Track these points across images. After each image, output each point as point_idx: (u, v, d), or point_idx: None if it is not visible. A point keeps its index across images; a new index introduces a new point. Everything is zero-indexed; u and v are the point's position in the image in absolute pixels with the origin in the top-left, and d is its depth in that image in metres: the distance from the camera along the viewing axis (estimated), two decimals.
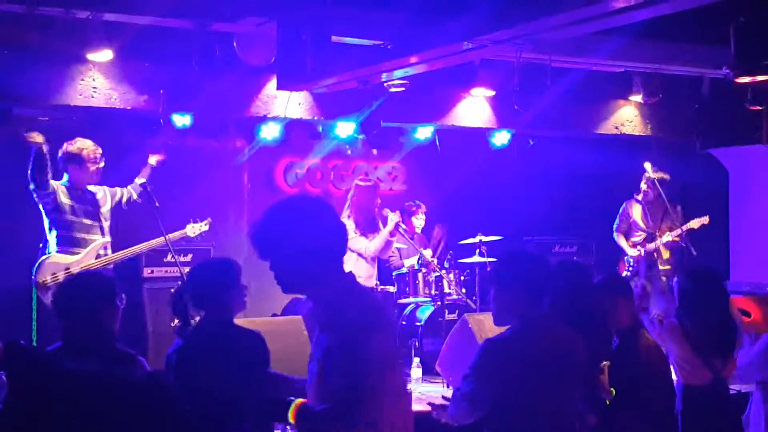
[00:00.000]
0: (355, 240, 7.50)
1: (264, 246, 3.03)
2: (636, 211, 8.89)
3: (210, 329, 4.12)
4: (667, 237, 8.62)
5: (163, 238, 6.98)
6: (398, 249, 8.65)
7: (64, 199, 6.88)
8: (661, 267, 8.69)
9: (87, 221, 6.95)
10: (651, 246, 8.73)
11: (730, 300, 5.13)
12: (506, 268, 4.08)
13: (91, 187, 7.07)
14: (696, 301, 4.96)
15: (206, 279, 4.19)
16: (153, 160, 7.41)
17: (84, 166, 6.94)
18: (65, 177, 6.99)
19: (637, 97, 9.29)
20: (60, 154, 6.96)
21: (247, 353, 4.09)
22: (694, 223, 8.68)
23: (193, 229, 7.36)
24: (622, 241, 8.96)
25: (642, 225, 8.84)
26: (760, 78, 6.45)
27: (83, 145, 6.96)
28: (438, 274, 8.20)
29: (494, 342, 3.94)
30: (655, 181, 8.66)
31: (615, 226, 9.04)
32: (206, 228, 7.44)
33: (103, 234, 7.02)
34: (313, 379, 3.03)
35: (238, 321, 4.28)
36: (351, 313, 2.98)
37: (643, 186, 8.79)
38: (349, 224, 7.54)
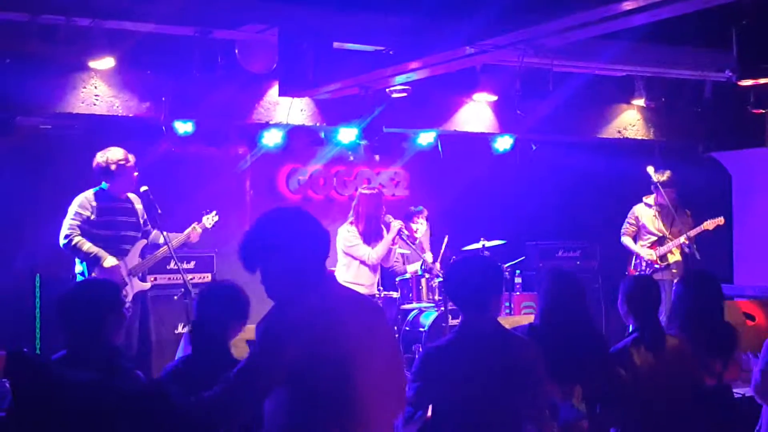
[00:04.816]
0: (358, 247, 7.47)
1: (251, 260, 3.22)
2: (646, 216, 8.74)
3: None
4: (682, 239, 8.50)
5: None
6: (402, 255, 8.63)
7: None
8: (669, 270, 8.61)
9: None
10: (662, 249, 8.63)
11: (724, 302, 5.11)
12: (450, 275, 4.12)
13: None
14: (690, 304, 4.94)
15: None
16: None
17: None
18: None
19: (640, 101, 9.28)
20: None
21: None
22: (709, 224, 8.58)
23: (208, 220, 7.27)
24: (631, 244, 8.77)
25: (652, 229, 8.69)
26: (762, 81, 6.44)
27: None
28: (441, 279, 8.18)
29: (432, 349, 3.96)
30: (659, 184, 8.56)
31: (623, 229, 8.86)
32: (216, 218, 7.34)
33: None
34: None
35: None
36: (288, 311, 3.05)
37: (654, 191, 8.64)
38: (353, 231, 7.51)
